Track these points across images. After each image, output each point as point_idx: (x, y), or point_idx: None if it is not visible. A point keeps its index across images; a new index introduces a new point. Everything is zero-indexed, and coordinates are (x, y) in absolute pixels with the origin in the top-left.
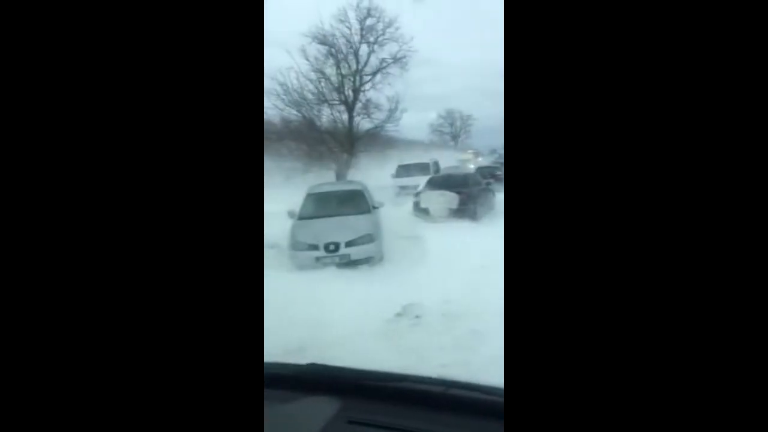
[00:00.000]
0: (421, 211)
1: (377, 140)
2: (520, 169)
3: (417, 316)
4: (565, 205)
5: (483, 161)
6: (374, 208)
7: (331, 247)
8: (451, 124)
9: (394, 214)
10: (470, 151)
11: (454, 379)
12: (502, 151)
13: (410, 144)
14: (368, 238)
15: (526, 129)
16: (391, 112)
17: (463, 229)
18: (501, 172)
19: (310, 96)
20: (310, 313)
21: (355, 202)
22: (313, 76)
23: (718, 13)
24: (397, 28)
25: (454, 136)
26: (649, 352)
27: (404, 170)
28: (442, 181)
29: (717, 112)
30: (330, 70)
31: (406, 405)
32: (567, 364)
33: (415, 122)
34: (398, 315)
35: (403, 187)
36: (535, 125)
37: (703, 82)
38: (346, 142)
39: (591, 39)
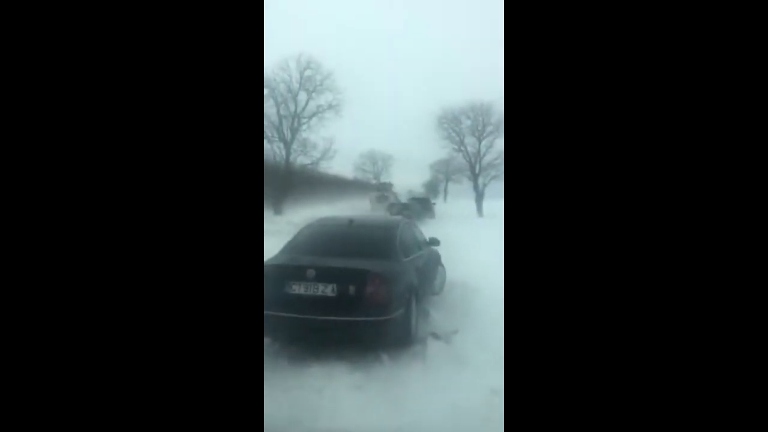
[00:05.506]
0: None
1: (311, 175)
2: (519, 174)
3: None
4: (565, 210)
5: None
6: None
7: None
8: (374, 164)
9: None
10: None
11: None
12: (417, 189)
13: (337, 180)
14: None
15: (525, 137)
16: (326, 151)
17: None
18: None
19: None
20: None
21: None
22: None
23: (716, 15)
24: (333, 81)
25: (376, 175)
26: (648, 357)
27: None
28: None
29: (712, 112)
30: (270, 110)
31: None
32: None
33: (341, 160)
34: None
35: None
36: (534, 133)
37: (688, 82)
38: (283, 176)
39: (591, 42)
